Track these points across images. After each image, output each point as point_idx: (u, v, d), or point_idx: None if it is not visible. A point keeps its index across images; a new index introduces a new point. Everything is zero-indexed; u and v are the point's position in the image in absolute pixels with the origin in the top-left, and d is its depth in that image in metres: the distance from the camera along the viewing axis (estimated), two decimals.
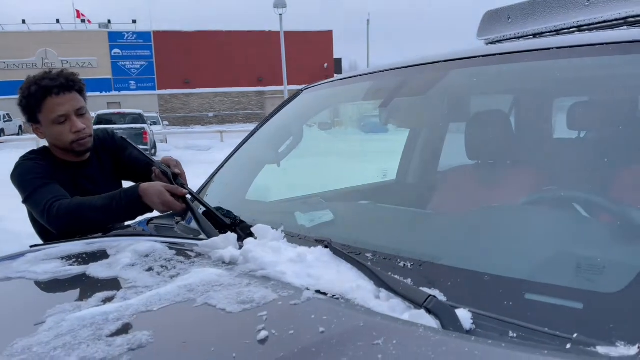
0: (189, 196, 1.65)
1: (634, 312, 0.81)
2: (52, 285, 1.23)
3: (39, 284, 1.23)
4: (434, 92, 1.63)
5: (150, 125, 19.85)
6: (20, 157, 1.90)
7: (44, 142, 2.03)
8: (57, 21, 40.83)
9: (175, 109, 41.16)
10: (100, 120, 16.85)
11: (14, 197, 1.89)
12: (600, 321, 0.81)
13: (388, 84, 1.77)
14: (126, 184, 2.21)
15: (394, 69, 1.82)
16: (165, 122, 31.39)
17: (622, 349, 0.75)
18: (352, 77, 2.03)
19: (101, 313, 0.97)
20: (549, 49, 1.37)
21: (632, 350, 0.74)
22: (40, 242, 2.02)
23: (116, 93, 38.84)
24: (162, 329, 0.90)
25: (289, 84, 28.15)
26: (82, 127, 1.88)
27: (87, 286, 1.20)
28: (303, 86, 2.26)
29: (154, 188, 1.63)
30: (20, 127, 33.05)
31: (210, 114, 41.67)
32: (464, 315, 0.89)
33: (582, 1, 2.32)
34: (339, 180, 3.01)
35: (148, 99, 38.80)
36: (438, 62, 1.59)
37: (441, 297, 0.95)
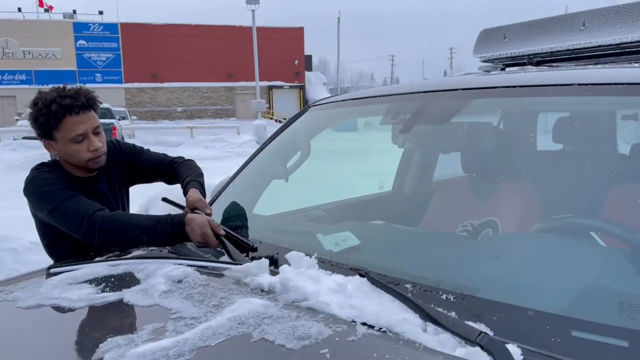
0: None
1: None
2: (93, 314, 1.23)
3: (77, 312, 1.23)
4: (453, 121, 1.68)
5: (119, 120, 19.47)
6: (33, 169, 1.88)
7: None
8: (19, 9, 39.44)
9: (143, 103, 40.39)
10: None
11: None
12: None
13: (403, 109, 1.82)
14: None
15: (407, 93, 1.88)
16: (134, 117, 30.79)
17: None
18: (361, 98, 2.07)
19: (160, 349, 0.98)
20: (570, 84, 1.44)
21: None
22: (44, 252, 2.01)
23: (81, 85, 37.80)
24: None
25: (259, 80, 27.98)
26: (100, 146, 1.90)
27: (130, 316, 1.21)
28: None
29: (199, 218, 1.64)
30: None
31: (179, 109, 41.06)
32: (515, 351, 0.94)
33: (578, 25, 2.42)
34: (331, 185, 3.06)
35: (114, 93, 37.87)
36: (456, 89, 1.65)
37: (487, 330, 1.01)
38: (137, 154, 2.18)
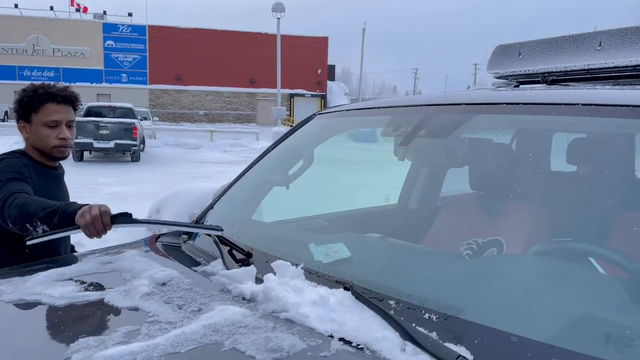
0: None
1: None
2: (71, 313, 1.21)
3: (57, 310, 1.22)
4: (455, 135, 1.65)
5: (140, 120, 19.65)
6: (3, 153, 1.97)
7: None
8: (51, 8, 40.34)
9: (166, 104, 40.91)
10: (90, 112, 16.54)
11: None
12: None
13: (407, 121, 1.79)
14: None
15: (412, 105, 1.85)
16: (155, 118, 31.13)
17: None
18: (367, 108, 2.04)
19: (128, 352, 0.96)
20: (575, 104, 1.39)
21: None
22: None
23: (107, 85, 38.52)
24: None
25: (281, 87, 28.15)
26: (68, 136, 2.03)
27: (107, 316, 1.19)
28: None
29: (95, 208, 1.55)
30: (5, 112, 32.50)
31: (201, 112, 41.47)
32: None
33: (594, 45, 2.36)
34: (338, 195, 3.03)
35: (139, 93, 38.51)
36: (460, 104, 1.61)
37: (467, 354, 0.97)
38: None
